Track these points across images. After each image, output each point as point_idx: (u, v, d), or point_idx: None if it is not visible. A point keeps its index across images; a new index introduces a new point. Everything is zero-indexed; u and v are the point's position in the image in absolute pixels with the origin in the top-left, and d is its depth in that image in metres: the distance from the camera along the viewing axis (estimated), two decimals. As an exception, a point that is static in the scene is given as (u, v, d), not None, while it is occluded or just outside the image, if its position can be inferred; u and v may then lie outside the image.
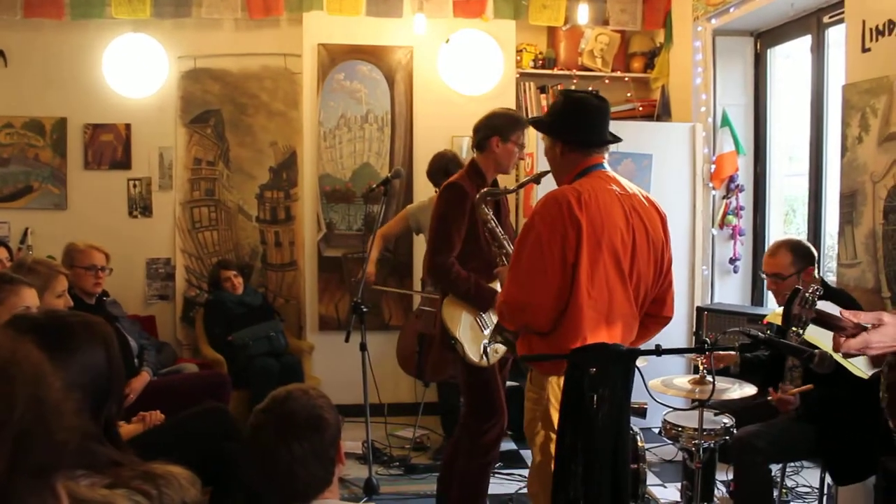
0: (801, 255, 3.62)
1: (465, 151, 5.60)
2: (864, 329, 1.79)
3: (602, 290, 2.66)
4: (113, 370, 1.84)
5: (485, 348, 3.45)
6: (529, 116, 3.29)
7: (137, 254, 6.02)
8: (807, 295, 1.85)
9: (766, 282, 3.86)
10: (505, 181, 4.00)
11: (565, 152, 2.84)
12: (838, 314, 1.84)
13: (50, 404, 0.72)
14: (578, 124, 2.83)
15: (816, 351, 1.88)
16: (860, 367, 2.03)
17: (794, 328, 1.89)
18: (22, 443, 0.69)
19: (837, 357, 1.92)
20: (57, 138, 5.91)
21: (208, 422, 3.32)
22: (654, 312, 2.89)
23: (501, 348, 3.45)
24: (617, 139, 2.87)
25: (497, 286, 3.42)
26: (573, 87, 6.18)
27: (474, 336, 3.52)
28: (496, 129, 3.53)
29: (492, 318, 3.52)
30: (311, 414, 1.83)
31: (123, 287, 5.67)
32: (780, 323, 2.25)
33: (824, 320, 1.87)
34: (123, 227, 5.99)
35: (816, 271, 3.63)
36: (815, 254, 3.68)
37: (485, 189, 3.37)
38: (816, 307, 1.87)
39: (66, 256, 4.24)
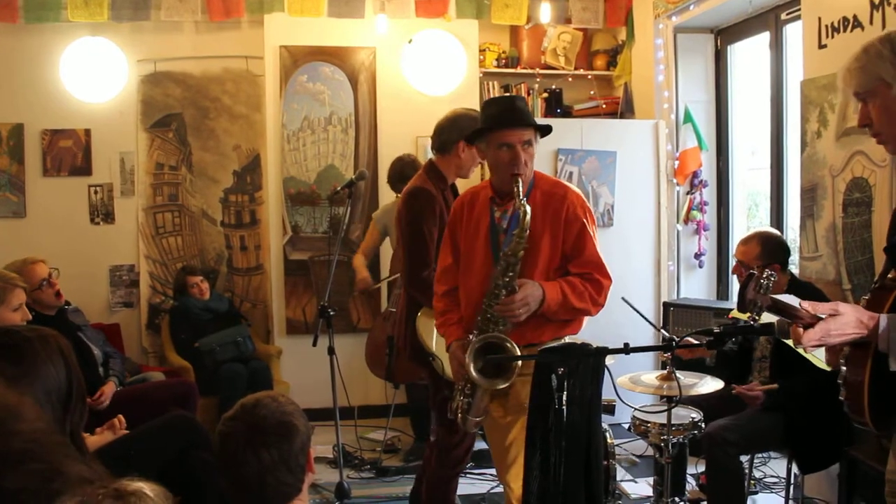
0: (770, 250, 3.68)
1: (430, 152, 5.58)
2: (821, 320, 1.80)
3: None
4: (73, 380, 1.86)
5: None
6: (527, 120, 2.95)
7: (100, 261, 5.92)
8: (761, 280, 1.90)
9: (732, 265, 3.94)
10: (463, 184, 3.67)
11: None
12: (797, 304, 1.86)
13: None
14: None
15: (773, 322, 1.91)
16: (821, 359, 2.06)
17: (749, 313, 1.94)
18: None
19: (800, 351, 1.94)
20: (14, 145, 5.79)
21: (175, 431, 3.28)
22: None
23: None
24: None
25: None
26: (536, 86, 6.22)
27: None
28: (463, 133, 3.26)
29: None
30: (280, 421, 1.81)
31: (86, 295, 5.59)
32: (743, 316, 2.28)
33: (780, 308, 1.89)
34: (85, 234, 5.89)
35: (785, 268, 3.69)
36: (788, 251, 3.74)
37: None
38: (772, 295, 1.90)
39: None
